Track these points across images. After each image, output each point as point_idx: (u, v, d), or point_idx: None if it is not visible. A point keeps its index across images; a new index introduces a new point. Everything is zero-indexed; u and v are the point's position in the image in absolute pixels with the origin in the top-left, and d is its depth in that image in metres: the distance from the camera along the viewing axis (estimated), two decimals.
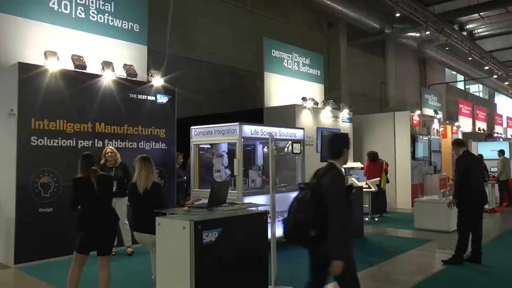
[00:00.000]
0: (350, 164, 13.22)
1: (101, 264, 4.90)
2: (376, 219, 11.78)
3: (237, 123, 7.52)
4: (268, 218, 4.99)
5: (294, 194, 8.52)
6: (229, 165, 7.99)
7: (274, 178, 5.10)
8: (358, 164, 13.60)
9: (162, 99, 8.94)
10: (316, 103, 12.85)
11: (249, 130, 7.68)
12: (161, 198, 5.06)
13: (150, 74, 8.94)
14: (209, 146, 8.44)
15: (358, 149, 14.54)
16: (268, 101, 12.35)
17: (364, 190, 10.67)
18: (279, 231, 7.54)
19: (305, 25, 17.10)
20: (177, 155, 9.36)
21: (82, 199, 4.86)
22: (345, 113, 13.98)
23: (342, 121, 13.83)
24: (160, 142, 8.88)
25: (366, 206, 11.66)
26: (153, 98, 8.79)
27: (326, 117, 13.16)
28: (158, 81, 8.88)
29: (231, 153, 7.95)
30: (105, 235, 4.90)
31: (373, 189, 11.63)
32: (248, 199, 7.28)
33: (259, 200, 7.51)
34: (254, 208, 5.04)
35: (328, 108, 13.23)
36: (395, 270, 6.94)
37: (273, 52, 12.77)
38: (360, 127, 14.93)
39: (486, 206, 11.87)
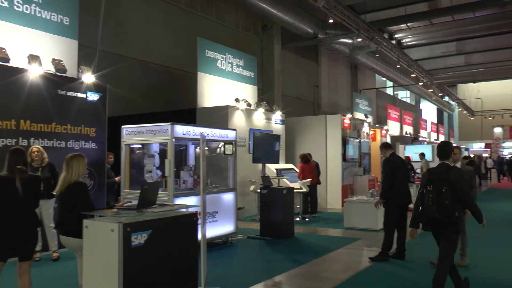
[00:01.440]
0: (282, 165, 13.42)
1: (20, 271, 4.50)
2: (306, 219, 11.99)
3: (169, 123, 7.41)
4: (199, 219, 4.95)
5: (226, 195, 8.66)
6: (160, 166, 7.87)
7: (205, 179, 5.08)
8: (290, 166, 13.84)
9: (93, 96, 8.62)
10: (249, 105, 12.92)
11: (181, 130, 7.59)
12: (85, 199, 4.70)
13: (80, 70, 8.58)
14: (140, 146, 8.27)
15: (290, 151, 14.80)
16: (201, 102, 12.26)
17: (295, 190, 10.83)
18: (209, 232, 7.56)
19: (240, 27, 17.17)
20: (107, 155, 9.08)
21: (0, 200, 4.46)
22: (277, 115, 14.15)
23: (275, 123, 14.00)
24: (90, 142, 8.57)
25: (297, 206, 11.87)
26: (83, 95, 8.46)
27: (259, 119, 13.26)
28: (89, 77, 8.53)
29: (162, 154, 7.83)
30: (25, 239, 4.52)
31: (304, 189, 11.85)
32: (179, 200, 7.21)
33: (191, 201, 7.46)
34: (184, 209, 4.99)
35: (261, 110, 13.34)
36: (324, 268, 7.09)
37: (207, 52, 12.69)
38: (292, 129, 15.18)
39: (411, 206, 12.44)
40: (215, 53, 12.95)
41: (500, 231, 10.14)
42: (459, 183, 4.89)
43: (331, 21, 17.23)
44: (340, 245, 8.66)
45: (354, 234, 9.71)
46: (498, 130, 48.21)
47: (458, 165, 6.38)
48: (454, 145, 5.87)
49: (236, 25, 17.03)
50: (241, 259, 7.77)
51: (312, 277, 6.59)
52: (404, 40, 25.28)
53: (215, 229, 8.25)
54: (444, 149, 5.25)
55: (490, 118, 48.51)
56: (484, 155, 36.02)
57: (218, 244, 8.48)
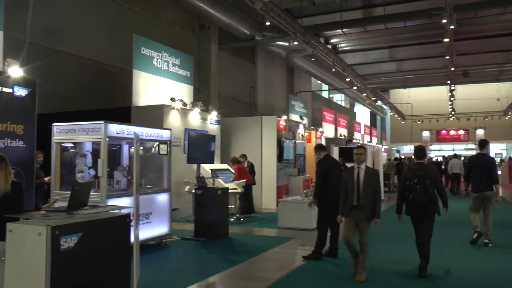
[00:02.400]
0: (217, 165, 13.43)
1: None
2: (241, 219, 12.05)
3: (102, 122, 7.22)
4: (132, 221, 4.85)
5: (160, 196, 8.54)
6: (93, 166, 7.65)
7: (138, 179, 4.98)
8: (225, 166, 13.87)
9: (21, 91, 8.15)
10: (185, 104, 12.79)
11: (115, 129, 7.43)
12: (22, 199, 4.55)
13: (6, 64, 8.09)
14: (72, 145, 7.99)
15: (226, 151, 14.81)
16: (136, 100, 12.01)
17: (230, 191, 10.87)
18: (142, 234, 7.43)
19: (177, 25, 16.97)
20: (36, 153, 8.66)
21: None
22: (213, 116, 14.13)
23: (211, 123, 13.97)
24: (17, 139, 8.11)
25: (232, 207, 11.91)
26: (10, 90, 7.97)
27: (195, 119, 13.19)
28: (16, 71, 8.07)
29: (95, 153, 7.61)
30: None
31: (239, 190, 11.91)
32: (112, 201, 7.04)
33: (124, 202, 7.30)
34: (117, 211, 4.88)
35: (197, 110, 13.26)
36: (258, 268, 7.17)
37: (143, 49, 12.44)
38: (228, 130, 15.20)
39: None
40: (151, 51, 12.72)
41: (409, 226, 10.61)
42: (437, 177, 6.74)
43: (268, 23, 17.40)
44: (275, 244, 8.78)
45: (288, 234, 9.86)
46: (426, 134, 50.65)
47: (363, 166, 6.42)
48: (359, 144, 6.31)
49: (173, 23, 16.83)
50: (175, 261, 7.70)
51: (246, 277, 6.64)
52: (339, 45, 25.97)
53: (148, 231, 8.13)
54: (421, 152, 7.20)
55: (419, 122, 50.81)
56: (413, 157, 37.61)
57: (152, 246, 8.36)
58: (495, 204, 8.78)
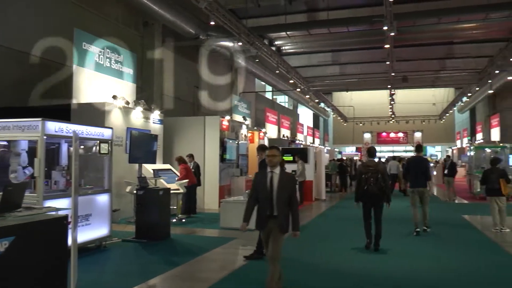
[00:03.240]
0: (159, 166, 13.26)
1: None
2: (183, 220, 11.96)
3: (40, 119, 6.95)
4: (70, 223, 4.71)
5: (100, 197, 8.32)
6: (29, 165, 7.34)
7: (77, 179, 4.83)
8: (168, 166, 13.71)
9: None
10: (127, 103, 12.50)
11: (53, 127, 7.16)
12: None
13: None
14: (6, 143, 7.64)
15: (168, 151, 14.63)
16: (76, 97, 11.64)
17: (172, 191, 10.76)
18: (81, 236, 7.23)
19: (120, 21, 16.56)
20: None
21: None
22: (156, 115, 13.93)
23: (153, 123, 13.76)
24: None
25: (174, 207, 11.79)
26: None
27: (137, 118, 12.94)
28: None
29: (32, 152, 7.31)
30: None
31: (181, 190, 11.81)
32: (49, 203, 6.76)
33: (62, 203, 7.05)
34: (54, 213, 4.72)
35: (139, 109, 13.02)
36: (200, 269, 7.15)
37: (84, 45, 12.09)
38: (171, 130, 15.02)
39: None
40: (93, 46, 12.39)
41: (350, 225, 10.97)
42: (385, 173, 8.50)
43: (212, 23, 17.36)
44: (216, 245, 8.76)
45: (230, 234, 9.86)
46: (367, 136, 52.17)
47: (277, 170, 6.32)
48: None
49: (117, 19, 16.41)
50: (115, 264, 7.53)
51: (187, 278, 6.61)
52: (283, 48, 26.28)
53: (88, 233, 7.90)
54: (372, 152, 8.81)
55: (361, 124, 52.28)
56: (355, 158, 38.64)
57: (91, 249, 8.12)
58: (429, 198, 10.48)
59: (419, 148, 11.16)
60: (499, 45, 25.73)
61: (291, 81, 28.77)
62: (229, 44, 20.66)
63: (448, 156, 21.56)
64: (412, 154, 18.88)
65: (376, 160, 9.13)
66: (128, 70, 13.96)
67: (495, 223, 10.45)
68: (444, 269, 7.23)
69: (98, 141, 8.27)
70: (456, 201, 17.51)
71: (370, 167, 8.35)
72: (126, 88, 13.66)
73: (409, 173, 10.51)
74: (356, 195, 8.49)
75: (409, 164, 10.72)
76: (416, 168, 10.27)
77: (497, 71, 27.71)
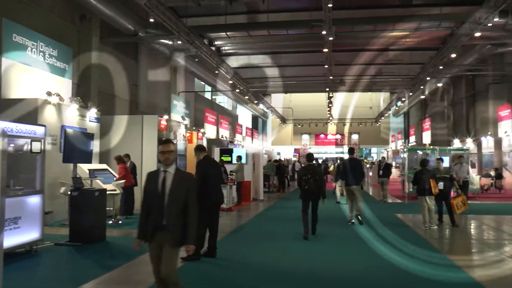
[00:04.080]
0: (95, 165, 12.86)
1: None
2: (120, 222, 11.66)
3: None
4: None
5: (31, 198, 7.94)
6: None
7: (5, 180, 4.57)
8: (104, 166, 13.33)
9: None
10: (62, 99, 12.01)
11: None
12: None
13: None
14: None
15: (105, 151, 14.19)
16: (6, 92, 11.03)
17: (108, 192, 10.46)
18: (9, 241, 6.87)
19: (55, 13, 15.87)
20: None
21: None
22: (93, 113, 13.51)
23: (89, 121, 13.33)
24: None
25: (111, 209, 11.47)
26: None
27: (72, 115, 12.48)
28: None
29: None
30: None
31: (118, 191, 11.51)
32: None
33: None
34: None
35: (75, 106, 12.56)
36: (135, 271, 7.01)
37: (15, 37, 11.42)
38: (108, 128, 14.56)
39: (224, 206, 12.99)
40: (24, 39, 11.74)
41: (287, 225, 11.26)
42: (322, 175, 10.40)
43: (152, 20, 17.06)
44: None
45: None
46: (305, 137, 53.04)
47: (171, 169, 6.24)
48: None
49: (51, 10, 15.70)
50: (46, 269, 7.21)
51: (122, 282, 6.45)
52: (223, 48, 26.17)
53: (16, 237, 7.47)
54: (311, 156, 10.56)
55: (299, 126, 53.12)
56: (293, 159, 39.25)
57: (20, 254, 7.72)
58: (361, 194, 12.39)
59: (351, 150, 12.80)
60: (430, 53, 26.99)
61: (231, 82, 28.78)
62: (168, 42, 20.39)
63: (383, 158, 22.31)
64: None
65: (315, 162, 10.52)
66: (63, 65, 13.39)
67: (425, 221, 11.06)
68: (377, 263, 7.52)
69: (29, 139, 7.88)
70: (390, 201, 18.14)
71: (309, 170, 9.93)
72: (61, 84, 13.10)
73: (345, 173, 11.91)
74: (302, 193, 10.00)
75: (344, 165, 12.22)
76: (350, 169, 11.72)
77: (428, 78, 29.01)
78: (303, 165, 14.53)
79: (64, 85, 13.29)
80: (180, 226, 4.42)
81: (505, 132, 24.33)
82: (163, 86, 24.65)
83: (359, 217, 11.83)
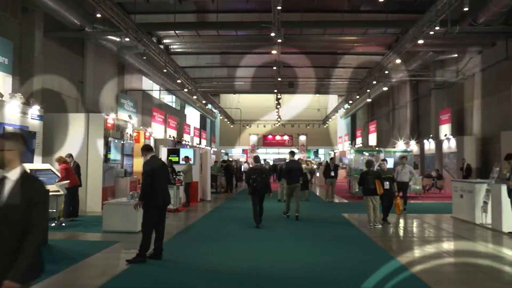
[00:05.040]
0: (37, 165, 12.40)
1: None
2: (63, 224, 11.28)
3: None
4: None
5: None
6: None
7: None
8: (47, 166, 12.84)
9: None
10: (1, 95, 11.50)
11: None
12: None
13: None
14: None
15: (48, 150, 13.68)
16: None
17: (51, 193, 10.09)
18: None
19: None
20: None
21: None
22: (35, 110, 13.00)
23: (32, 118, 12.82)
24: None
25: (54, 210, 11.07)
26: None
27: (13, 112, 11.93)
28: None
29: None
30: None
31: (61, 192, 11.14)
32: None
33: None
34: None
35: (16, 102, 12.03)
36: (78, 276, 6.81)
37: None
38: (52, 126, 14.07)
39: (171, 206, 12.84)
40: None
41: (234, 225, 11.48)
42: (268, 174, 12.38)
43: (99, 15, 16.59)
44: (98, 249, 8.39)
45: (113, 237, 9.50)
46: (254, 138, 53.24)
47: (13, 174, 5.75)
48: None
49: None
50: None
51: (65, 286, 6.24)
52: (172, 47, 25.82)
53: None
54: (258, 159, 12.58)
55: (248, 127, 53.26)
56: (241, 159, 39.34)
57: None
58: (299, 191, 13.69)
59: (292, 153, 14.30)
60: (376, 58, 27.78)
61: (179, 81, 28.48)
62: (116, 39, 19.93)
63: (331, 159, 22.71)
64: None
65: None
66: (3, 59, 12.77)
67: (370, 220, 11.40)
68: (322, 262, 7.66)
69: None
70: (337, 201, 18.48)
71: (257, 170, 11.65)
72: (0, 80, 12.51)
73: (286, 173, 13.51)
74: (250, 189, 11.57)
75: (287, 166, 13.83)
76: (291, 169, 13.29)
77: (374, 82, 29.81)
78: (251, 165, 15.12)
79: (3, 80, 12.69)
80: (9, 252, 3.02)
81: (445, 135, 25.38)
82: (110, 84, 24.07)
83: (297, 214, 12.89)
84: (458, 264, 8.04)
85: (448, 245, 9.82)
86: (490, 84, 22.96)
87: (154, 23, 21.96)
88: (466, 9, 14.33)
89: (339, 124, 56.93)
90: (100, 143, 14.32)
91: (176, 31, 23.02)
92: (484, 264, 7.75)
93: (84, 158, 13.92)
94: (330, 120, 53.37)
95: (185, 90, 31.85)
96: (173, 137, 30.05)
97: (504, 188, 10.65)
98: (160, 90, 33.17)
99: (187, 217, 13.70)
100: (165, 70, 25.38)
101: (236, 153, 53.62)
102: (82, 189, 13.19)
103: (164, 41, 24.59)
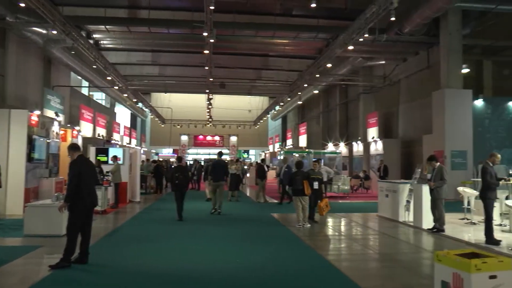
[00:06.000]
0: None
1: None
2: None
3: None
4: None
5: None
6: None
7: None
8: None
9: None
10: None
11: None
12: None
13: None
14: None
15: None
16: None
17: None
18: None
19: None
20: None
21: None
22: None
23: None
24: None
25: None
26: None
27: None
28: None
29: None
30: None
31: None
32: None
33: None
34: None
35: None
36: None
37: None
38: None
39: (99, 208, 12.46)
40: None
41: (163, 226, 11.26)
42: (188, 173, 14.09)
43: (22, 4, 15.70)
44: (18, 255, 7.92)
45: (35, 242, 9.03)
46: (184, 138, 52.68)
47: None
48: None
49: None
50: None
51: None
52: (102, 42, 25.05)
53: None
54: (180, 158, 13.98)
55: (179, 127, 52.64)
56: (172, 159, 38.86)
57: None
58: (223, 189, 14.72)
59: (220, 153, 15.69)
60: (307, 62, 28.42)
61: (109, 78, 27.68)
62: (42, 31, 19.05)
63: (263, 160, 22.92)
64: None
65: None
66: None
67: (299, 219, 11.67)
68: (251, 262, 7.72)
69: None
70: (268, 201, 18.61)
71: (179, 169, 13.16)
72: None
73: (212, 171, 14.79)
74: (172, 187, 13.21)
75: (214, 165, 14.95)
76: (217, 168, 14.57)
77: (305, 85, 30.42)
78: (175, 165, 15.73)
79: None
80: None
81: (372, 137, 26.36)
82: (35, 79, 22.90)
83: (219, 209, 14.25)
84: (381, 260, 8.39)
85: (373, 242, 10.25)
86: (413, 91, 24.16)
87: (83, 16, 21.17)
88: (393, 18, 14.95)
89: (270, 126, 57.69)
90: (23, 141, 13.59)
91: (107, 26, 22.37)
92: (405, 259, 8.28)
93: (5, 157, 13.16)
94: (261, 121, 53.92)
95: (116, 87, 31.00)
96: (102, 136, 29.19)
97: (425, 188, 11.24)
98: (89, 86, 32.04)
99: (115, 219, 13.32)
100: (94, 66, 24.55)
101: (167, 153, 52.91)
102: (1, 191, 12.46)
103: (94, 35, 23.82)
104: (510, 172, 10.85)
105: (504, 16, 18.78)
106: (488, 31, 20.35)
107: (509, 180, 10.59)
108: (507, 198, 10.75)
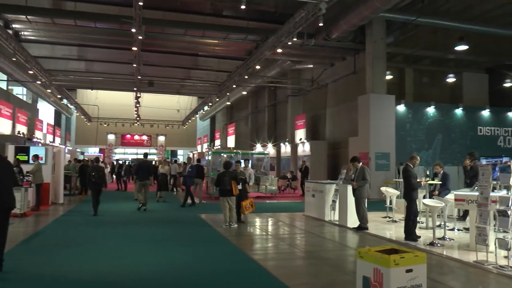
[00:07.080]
0: None
1: None
2: None
3: None
4: None
5: None
6: None
7: None
8: None
9: None
10: None
11: None
12: None
13: None
14: None
15: None
16: None
17: None
18: None
19: None
20: None
21: None
22: None
23: None
24: None
25: None
26: None
27: None
28: None
29: None
30: None
31: None
32: None
33: None
34: None
35: None
36: None
37: None
38: None
39: (17, 211, 11.82)
40: None
41: (87, 229, 10.86)
42: (103, 172, 14.82)
43: None
44: None
45: None
46: (111, 137, 51.10)
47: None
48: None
49: None
50: None
51: None
52: (23, 33, 23.68)
53: None
54: (98, 159, 15.40)
55: (105, 125, 51.10)
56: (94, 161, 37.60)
57: None
58: (149, 187, 15.66)
59: (146, 154, 16.98)
60: (237, 63, 28.54)
61: (31, 72, 26.32)
62: None
63: (189, 159, 22.68)
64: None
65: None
66: None
67: (226, 219, 11.73)
68: (178, 263, 7.64)
69: None
70: (197, 202, 18.37)
71: (95, 168, 14.25)
72: None
73: (137, 171, 15.73)
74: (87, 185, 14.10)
75: (139, 165, 15.94)
76: (142, 168, 15.55)
77: (234, 86, 30.53)
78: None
79: None
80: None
81: (300, 139, 26.91)
82: None
83: (145, 208, 15.14)
84: (307, 258, 8.56)
85: (299, 241, 10.44)
86: (340, 94, 24.96)
87: (1, 4, 19.90)
88: (321, 24, 15.36)
89: (199, 126, 57.41)
90: None
91: (28, 16, 21.15)
92: (330, 257, 8.51)
93: None
94: (189, 121, 53.59)
95: (38, 82, 29.57)
96: (23, 133, 27.76)
97: (350, 188, 11.65)
98: (7, 80, 30.28)
99: (35, 222, 12.61)
100: (14, 59, 23.19)
101: (93, 152, 51.21)
102: None
103: (14, 25, 22.43)
104: (428, 173, 11.46)
105: (423, 28, 19.93)
106: (409, 41, 21.55)
107: (427, 181, 11.18)
108: (424, 197, 11.33)
